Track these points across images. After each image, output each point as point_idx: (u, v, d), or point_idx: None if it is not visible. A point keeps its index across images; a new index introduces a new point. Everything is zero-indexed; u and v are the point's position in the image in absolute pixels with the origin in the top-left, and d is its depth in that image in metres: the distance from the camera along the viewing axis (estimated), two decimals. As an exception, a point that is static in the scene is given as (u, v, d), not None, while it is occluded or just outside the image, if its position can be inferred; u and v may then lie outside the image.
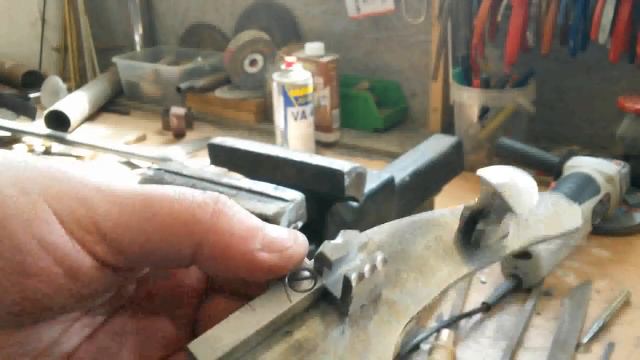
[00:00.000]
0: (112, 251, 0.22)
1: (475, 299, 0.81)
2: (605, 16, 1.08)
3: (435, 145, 0.93)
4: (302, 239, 0.24)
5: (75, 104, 1.52)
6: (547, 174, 1.05)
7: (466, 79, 1.24)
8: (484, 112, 1.21)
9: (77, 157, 1.32)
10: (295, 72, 1.24)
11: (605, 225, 0.95)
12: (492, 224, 0.26)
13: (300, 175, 0.70)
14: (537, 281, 0.82)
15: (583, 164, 0.96)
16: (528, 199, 0.26)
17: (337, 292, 0.23)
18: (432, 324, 0.76)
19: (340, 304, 0.23)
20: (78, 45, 1.89)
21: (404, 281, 0.25)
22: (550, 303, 0.80)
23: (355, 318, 0.24)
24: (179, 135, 1.45)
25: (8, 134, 1.40)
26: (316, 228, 0.69)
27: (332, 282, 0.24)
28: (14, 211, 0.20)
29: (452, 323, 0.75)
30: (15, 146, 1.38)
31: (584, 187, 0.91)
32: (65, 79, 1.78)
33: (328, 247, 0.23)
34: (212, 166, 0.81)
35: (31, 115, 1.55)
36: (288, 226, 0.63)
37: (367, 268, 0.23)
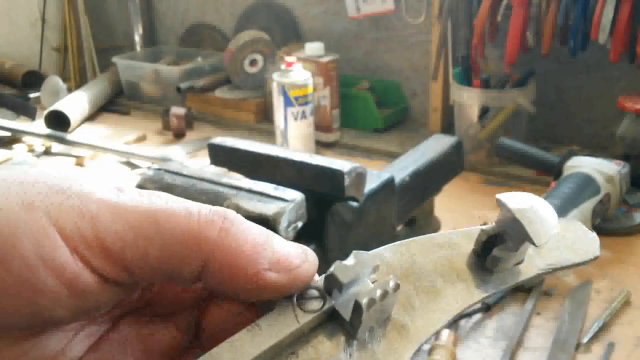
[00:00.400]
0: (116, 267, 0.22)
1: (475, 299, 0.81)
2: (605, 16, 1.08)
3: (435, 145, 0.93)
4: (312, 257, 0.24)
5: (75, 104, 1.52)
6: (547, 174, 1.05)
7: (466, 79, 1.24)
8: (484, 112, 1.21)
9: (77, 157, 1.32)
10: (295, 72, 1.24)
11: (605, 225, 0.95)
12: (509, 251, 0.26)
13: (300, 175, 0.70)
14: (537, 281, 0.82)
15: (583, 164, 0.96)
16: (547, 229, 0.25)
17: (346, 313, 0.23)
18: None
19: (349, 326, 0.23)
20: (78, 45, 1.89)
21: (415, 304, 0.24)
22: (550, 303, 0.80)
23: (363, 341, 0.23)
24: (179, 135, 1.45)
25: (8, 134, 1.40)
26: (316, 228, 0.69)
27: (342, 303, 0.23)
28: (21, 229, 0.20)
29: (452, 323, 0.75)
30: (15, 146, 1.38)
31: (584, 187, 0.91)
32: (65, 79, 1.78)
33: (339, 269, 0.22)
34: (212, 166, 0.81)
35: (31, 115, 1.55)
36: (288, 226, 0.63)
37: (378, 293, 0.22)
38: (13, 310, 0.20)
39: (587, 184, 0.92)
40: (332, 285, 0.23)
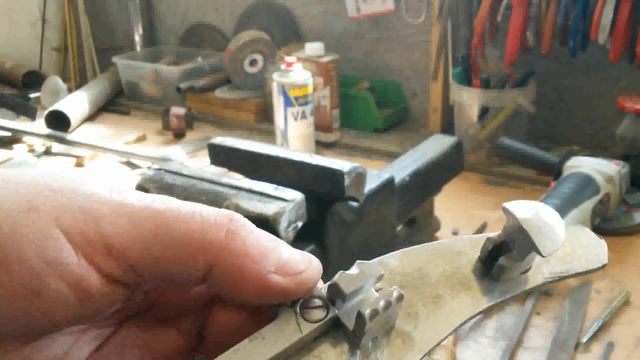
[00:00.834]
0: (121, 268, 0.22)
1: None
2: (605, 16, 1.08)
3: (435, 145, 0.93)
4: (316, 264, 0.24)
5: (75, 104, 1.52)
6: (547, 174, 1.05)
7: (466, 79, 1.24)
8: (483, 112, 1.21)
9: (77, 157, 1.32)
10: (295, 72, 1.24)
11: (605, 225, 0.95)
12: (515, 260, 0.25)
13: (300, 175, 0.70)
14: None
15: (583, 164, 0.96)
16: (554, 239, 0.24)
17: (349, 322, 0.22)
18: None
19: (352, 335, 0.22)
20: (78, 46, 1.89)
21: (419, 313, 0.24)
22: (550, 303, 0.80)
23: (366, 351, 0.23)
24: (179, 135, 1.45)
25: (8, 134, 1.40)
26: (316, 228, 0.69)
27: (345, 312, 0.23)
28: (24, 231, 0.20)
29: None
30: (15, 146, 1.38)
31: (583, 187, 0.92)
32: (65, 79, 1.78)
33: (343, 279, 0.22)
34: (212, 166, 0.81)
35: (31, 115, 1.55)
36: (288, 226, 0.63)
37: (381, 304, 0.22)
38: (15, 315, 0.20)
39: (586, 184, 0.92)
40: (335, 295, 0.23)
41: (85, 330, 0.24)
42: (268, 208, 0.62)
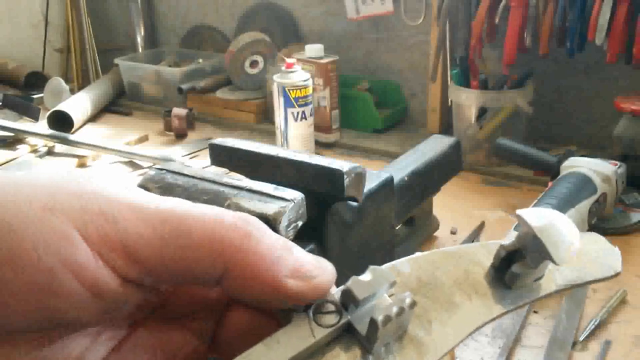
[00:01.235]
0: (138, 269, 0.22)
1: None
2: (602, 17, 1.08)
3: (434, 146, 0.93)
4: (330, 268, 0.24)
5: (77, 104, 1.53)
6: (545, 174, 1.06)
7: (465, 80, 1.25)
8: (482, 112, 1.21)
9: (80, 157, 1.33)
10: (296, 73, 1.25)
11: (602, 225, 0.96)
12: (528, 268, 0.25)
13: (300, 175, 0.71)
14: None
15: (580, 164, 0.97)
16: (568, 248, 0.24)
17: (362, 328, 0.22)
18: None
19: (365, 341, 0.22)
20: (80, 47, 1.89)
21: (432, 318, 0.24)
22: (548, 301, 0.81)
23: (379, 356, 0.23)
24: (180, 136, 1.46)
25: (11, 134, 1.41)
26: (316, 228, 0.70)
27: (357, 317, 0.23)
28: (41, 232, 0.20)
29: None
30: (18, 147, 1.39)
31: (581, 187, 0.92)
32: (67, 80, 1.78)
33: (356, 284, 0.22)
34: (213, 166, 0.82)
35: (34, 116, 1.56)
36: (288, 226, 0.63)
37: (394, 310, 0.22)
38: (31, 314, 0.20)
39: (584, 184, 0.93)
40: (348, 301, 0.23)
41: (101, 332, 0.24)
42: (268, 208, 0.62)
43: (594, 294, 0.82)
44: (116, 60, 1.73)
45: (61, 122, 1.45)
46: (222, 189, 0.66)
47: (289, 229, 0.64)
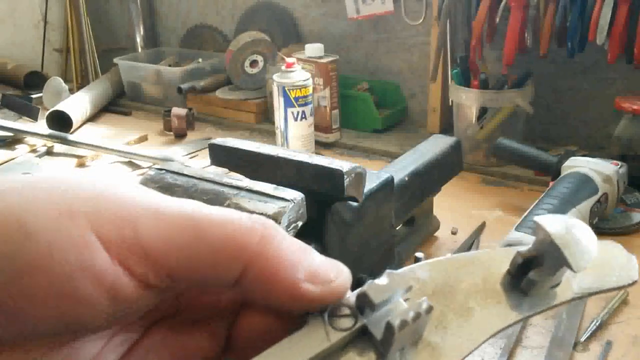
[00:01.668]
0: (156, 272, 0.22)
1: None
2: (603, 18, 1.08)
3: (434, 146, 0.93)
4: (346, 272, 0.24)
5: (77, 104, 1.53)
6: (545, 174, 1.06)
7: (465, 80, 1.25)
8: (482, 112, 1.21)
9: (79, 157, 1.33)
10: (296, 73, 1.25)
11: (603, 225, 0.96)
12: (545, 275, 0.25)
13: (300, 175, 0.71)
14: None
15: (581, 164, 0.96)
16: (586, 255, 0.24)
17: (377, 332, 0.22)
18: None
19: (380, 345, 0.22)
20: (80, 47, 1.89)
21: (448, 324, 0.24)
22: (548, 302, 0.81)
23: None
24: (180, 136, 1.46)
25: (11, 134, 1.40)
26: (316, 228, 0.70)
27: (373, 321, 0.23)
28: (58, 235, 0.20)
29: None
30: (17, 147, 1.39)
31: (581, 187, 0.92)
32: (67, 80, 1.78)
33: (372, 289, 0.22)
34: (213, 166, 0.82)
35: (34, 116, 1.56)
36: (288, 226, 0.63)
37: (411, 315, 0.22)
38: (47, 317, 0.20)
39: (585, 184, 0.93)
40: (364, 305, 0.23)
41: (115, 334, 0.24)
42: (268, 208, 0.62)
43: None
44: (116, 60, 1.73)
45: (60, 122, 1.45)
46: (222, 189, 0.66)
47: (289, 229, 0.64)
